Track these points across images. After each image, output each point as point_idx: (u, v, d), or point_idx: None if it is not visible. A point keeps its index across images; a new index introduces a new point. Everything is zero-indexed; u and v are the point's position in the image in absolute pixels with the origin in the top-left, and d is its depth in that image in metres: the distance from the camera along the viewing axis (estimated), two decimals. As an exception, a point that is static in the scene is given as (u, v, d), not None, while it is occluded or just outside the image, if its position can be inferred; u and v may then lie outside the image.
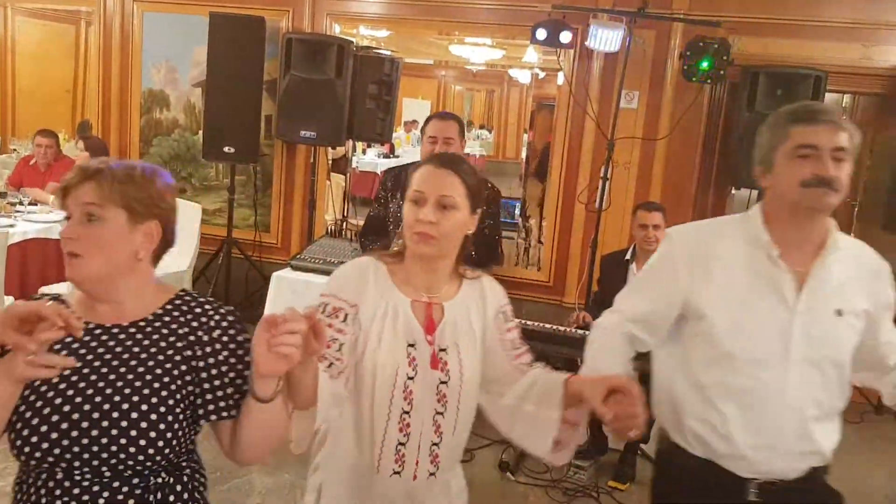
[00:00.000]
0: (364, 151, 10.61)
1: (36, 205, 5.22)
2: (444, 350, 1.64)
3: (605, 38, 4.71)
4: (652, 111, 5.09)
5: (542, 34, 4.75)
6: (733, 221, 1.82)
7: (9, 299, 4.45)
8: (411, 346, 1.61)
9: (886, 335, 1.81)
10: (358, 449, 1.64)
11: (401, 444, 1.61)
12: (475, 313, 1.70)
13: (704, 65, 4.65)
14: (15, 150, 6.98)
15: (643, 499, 3.70)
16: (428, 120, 3.20)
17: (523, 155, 9.68)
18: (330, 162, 6.44)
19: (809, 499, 1.75)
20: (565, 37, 4.75)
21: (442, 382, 1.62)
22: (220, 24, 5.29)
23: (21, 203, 5.10)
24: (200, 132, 5.85)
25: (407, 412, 1.60)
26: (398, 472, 1.62)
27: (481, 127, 12.80)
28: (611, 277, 4.05)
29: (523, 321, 3.86)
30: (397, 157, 10.33)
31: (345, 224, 5.67)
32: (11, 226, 4.71)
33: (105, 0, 6.04)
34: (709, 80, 4.72)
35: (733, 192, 5.30)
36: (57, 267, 4.73)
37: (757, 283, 1.70)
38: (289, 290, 4.09)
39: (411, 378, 1.60)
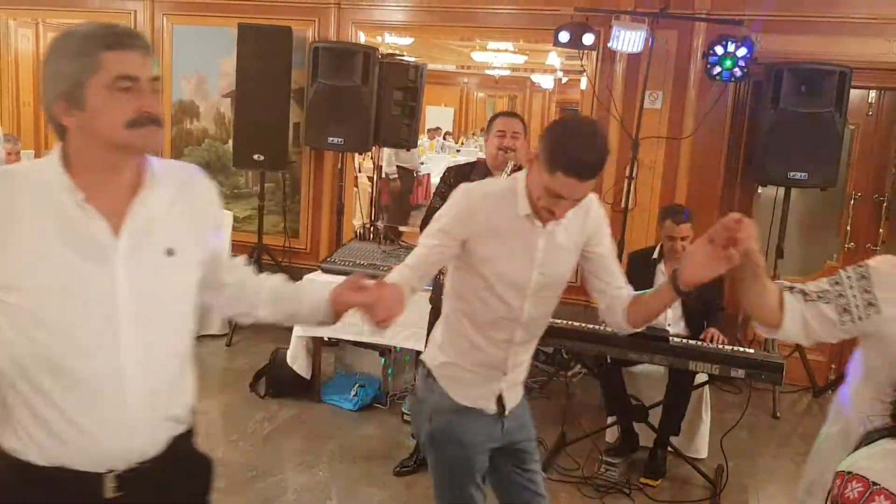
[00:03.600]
0: (388, 159, 10.71)
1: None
2: None
3: (628, 39, 4.75)
4: (676, 111, 5.11)
5: (564, 37, 4.80)
6: (29, 169, 1.52)
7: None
8: None
9: None
10: None
11: None
12: None
13: (727, 63, 4.68)
14: (49, 163, 7.14)
15: (674, 495, 3.72)
16: (494, 118, 3.55)
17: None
18: (358, 167, 6.53)
19: (178, 470, 1.55)
20: (588, 39, 4.79)
21: None
22: (248, 35, 5.40)
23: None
24: (230, 141, 5.96)
25: None
26: None
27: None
28: (637, 276, 4.05)
29: (552, 321, 3.90)
30: (421, 163, 10.41)
31: (373, 228, 5.77)
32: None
33: (136, 15, 6.19)
34: (732, 79, 4.74)
35: (760, 190, 5.29)
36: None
37: (68, 234, 1.39)
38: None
39: None
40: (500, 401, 2.17)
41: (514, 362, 2.16)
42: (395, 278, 1.95)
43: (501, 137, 3.44)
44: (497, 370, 2.15)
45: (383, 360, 4.50)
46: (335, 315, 1.72)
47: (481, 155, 4.04)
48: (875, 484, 0.92)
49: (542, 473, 2.33)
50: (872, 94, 5.20)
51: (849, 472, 0.96)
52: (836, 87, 4.61)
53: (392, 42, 6.11)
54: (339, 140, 5.27)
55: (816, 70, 4.66)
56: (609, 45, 4.82)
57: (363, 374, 4.57)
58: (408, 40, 6.11)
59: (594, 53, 5.15)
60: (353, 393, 4.41)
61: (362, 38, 5.72)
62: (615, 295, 2.13)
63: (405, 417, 4.24)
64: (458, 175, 3.60)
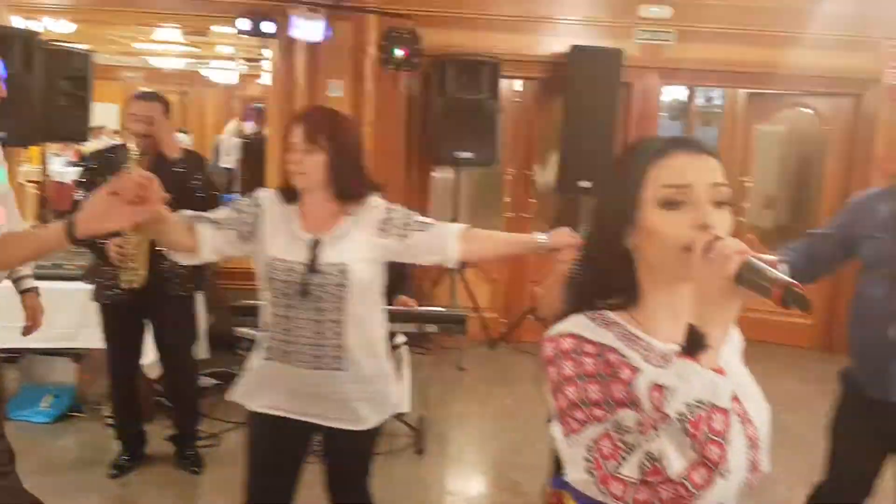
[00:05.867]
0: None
1: None
2: None
3: (306, 28, 4.94)
4: (356, 99, 5.41)
5: (244, 24, 4.86)
6: None
7: None
8: None
9: None
10: None
11: None
12: None
13: (398, 54, 5.12)
14: None
15: (383, 447, 4.01)
16: (132, 98, 3.34)
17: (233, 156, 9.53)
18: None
19: None
20: (267, 26, 4.90)
21: None
22: None
23: None
24: None
25: None
26: None
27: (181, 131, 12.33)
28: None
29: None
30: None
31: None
32: None
33: None
34: (402, 68, 5.18)
35: (435, 172, 5.85)
36: None
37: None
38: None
39: None
40: None
41: None
42: None
43: (137, 122, 3.26)
44: None
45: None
46: None
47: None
48: (582, 336, 1.17)
49: None
50: (518, 83, 6.03)
51: (559, 334, 1.18)
52: (490, 77, 5.30)
53: (53, 30, 5.61)
54: (1, 134, 4.74)
55: (473, 62, 5.31)
56: (289, 33, 4.96)
57: (55, 384, 4.22)
58: (71, 27, 5.65)
59: (275, 43, 5.26)
60: (44, 405, 4.06)
61: (19, 23, 5.17)
62: None
63: (108, 421, 4.01)
64: (99, 159, 3.43)
